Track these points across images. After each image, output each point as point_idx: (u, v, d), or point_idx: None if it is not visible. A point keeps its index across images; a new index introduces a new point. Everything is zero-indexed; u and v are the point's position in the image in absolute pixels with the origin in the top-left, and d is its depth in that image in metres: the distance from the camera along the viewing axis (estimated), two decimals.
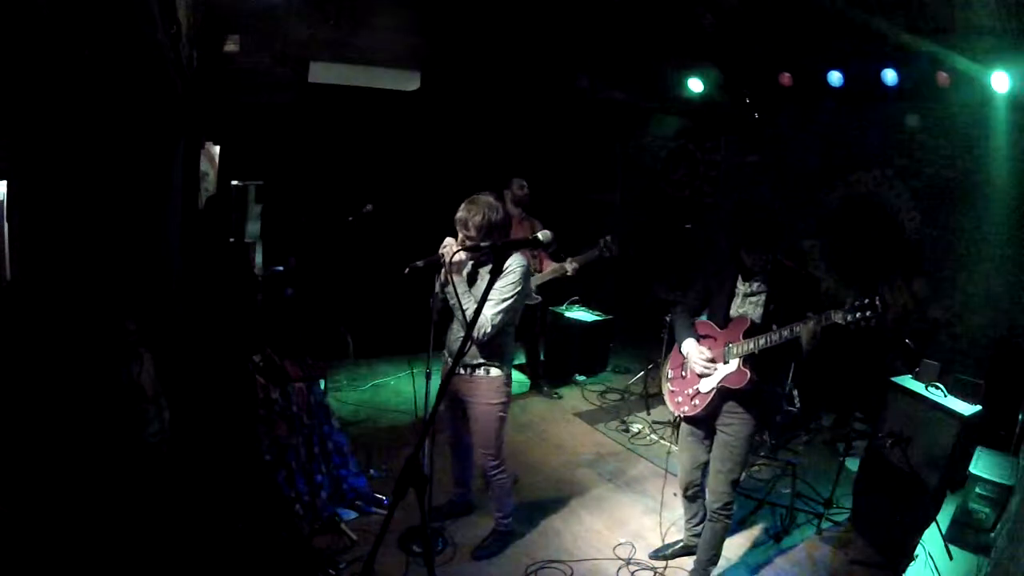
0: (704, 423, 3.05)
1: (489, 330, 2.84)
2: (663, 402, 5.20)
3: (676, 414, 3.11)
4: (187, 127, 3.52)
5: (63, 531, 1.94)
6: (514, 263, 2.88)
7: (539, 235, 2.28)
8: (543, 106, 6.11)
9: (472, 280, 2.97)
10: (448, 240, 2.92)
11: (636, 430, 4.90)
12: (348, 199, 4.74)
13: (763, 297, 2.84)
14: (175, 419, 2.98)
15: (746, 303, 2.88)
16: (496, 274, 2.13)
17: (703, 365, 2.90)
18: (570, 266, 4.82)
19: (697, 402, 2.97)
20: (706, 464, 3.10)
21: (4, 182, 2.03)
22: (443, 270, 2.85)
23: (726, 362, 2.86)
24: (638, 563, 3.28)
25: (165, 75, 2.84)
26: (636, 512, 3.78)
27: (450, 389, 3.05)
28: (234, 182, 4.78)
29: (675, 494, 3.98)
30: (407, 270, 2.88)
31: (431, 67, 4.82)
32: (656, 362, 5.44)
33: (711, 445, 3.07)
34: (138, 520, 2.22)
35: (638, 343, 6.52)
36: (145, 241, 3.09)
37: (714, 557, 3.04)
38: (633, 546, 3.40)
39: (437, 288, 2.96)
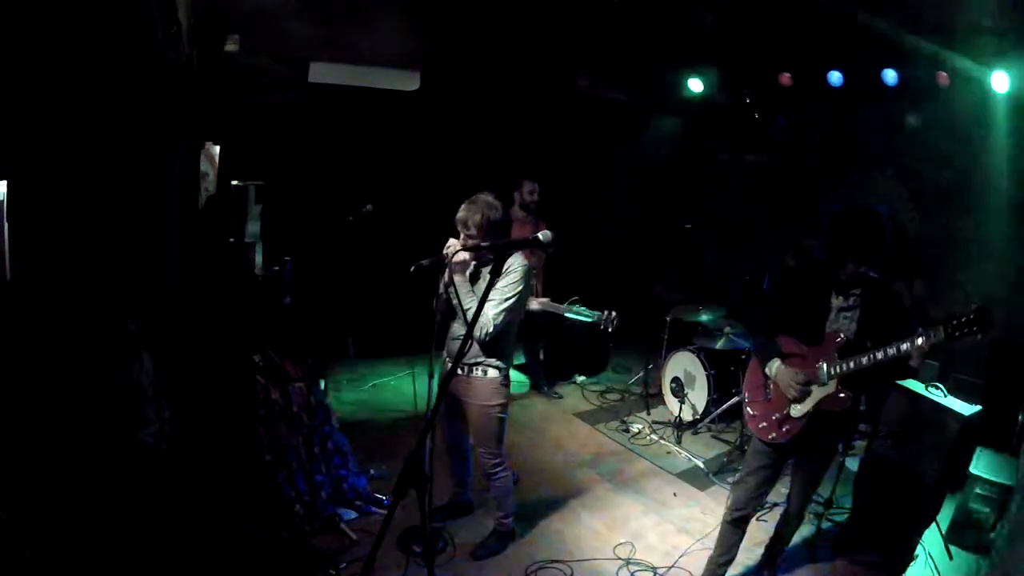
0: (784, 448, 2.84)
1: (491, 330, 2.83)
2: (663, 402, 5.24)
3: (764, 440, 2.86)
4: (187, 127, 3.52)
5: (63, 530, 1.94)
6: (515, 263, 2.87)
7: (539, 235, 2.27)
8: (543, 106, 6.11)
9: (475, 280, 2.97)
10: (452, 241, 2.93)
11: (636, 430, 4.90)
12: (348, 199, 4.74)
13: (858, 312, 2.66)
14: (175, 419, 2.98)
15: (840, 318, 2.69)
16: (496, 274, 2.13)
17: (799, 390, 2.67)
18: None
19: (788, 427, 2.75)
20: (768, 491, 2.99)
21: (4, 182, 2.03)
22: (447, 270, 2.86)
23: (823, 383, 2.65)
24: (638, 563, 3.27)
25: (165, 75, 2.84)
26: (636, 512, 3.78)
27: (449, 389, 3.06)
28: (234, 182, 4.78)
29: (675, 494, 4.00)
30: (412, 269, 2.87)
31: (431, 67, 4.82)
32: (656, 362, 5.44)
33: (780, 471, 2.92)
34: (138, 519, 2.21)
35: (638, 343, 6.51)
36: (145, 241, 3.09)
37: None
38: (633, 546, 3.40)
39: (441, 288, 2.97)
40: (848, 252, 2.60)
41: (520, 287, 2.88)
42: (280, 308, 4.75)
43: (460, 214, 2.87)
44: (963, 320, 2.30)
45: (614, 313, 4.40)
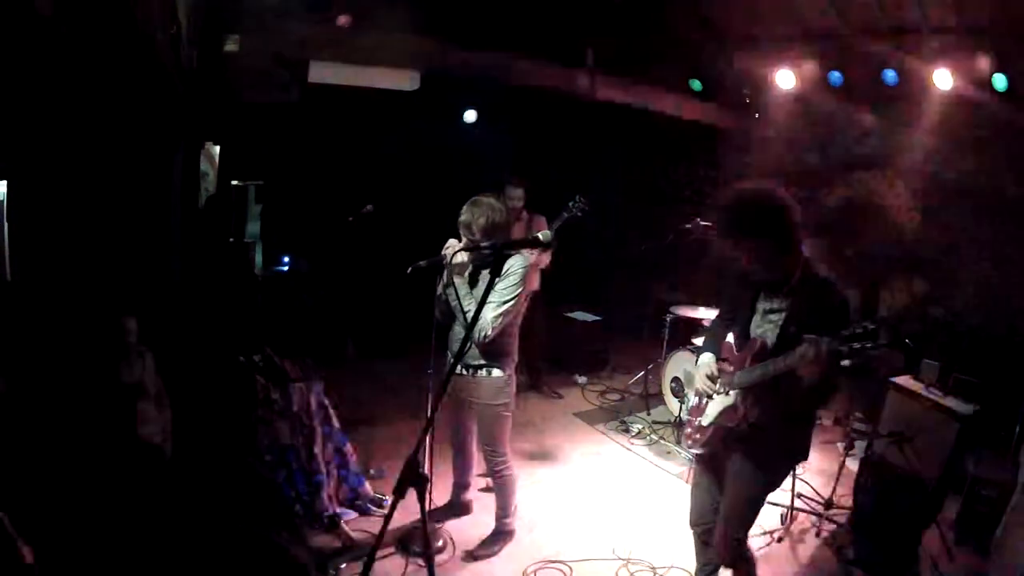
0: (711, 466, 2.59)
1: (489, 332, 2.84)
2: (663, 402, 5.23)
3: (687, 452, 2.70)
4: (187, 127, 3.52)
5: (64, 531, 1.94)
6: (515, 264, 2.88)
7: (539, 235, 2.29)
8: (543, 106, 6.11)
9: (474, 281, 2.97)
10: (451, 241, 2.93)
11: (636, 430, 4.90)
12: (348, 199, 4.74)
13: (783, 316, 2.29)
14: (176, 419, 2.98)
15: (764, 322, 2.36)
16: (495, 275, 2.14)
17: (704, 386, 2.48)
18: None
19: (699, 436, 2.54)
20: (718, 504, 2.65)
21: (4, 182, 2.04)
22: (445, 271, 2.87)
23: (726, 393, 2.41)
24: (638, 563, 3.27)
25: (165, 75, 2.84)
26: (636, 512, 3.78)
27: (453, 389, 3.07)
28: (234, 182, 4.79)
29: (675, 494, 3.99)
30: (410, 270, 2.88)
31: (431, 67, 4.82)
32: (656, 362, 5.43)
33: (723, 490, 2.59)
34: (139, 520, 2.22)
35: (638, 343, 6.52)
36: (145, 241, 3.09)
37: None
38: (633, 546, 3.40)
39: (440, 290, 2.97)
40: (738, 246, 2.24)
41: (519, 289, 2.89)
42: (297, 307, 4.78)
43: (463, 216, 2.88)
44: (857, 332, 2.02)
45: (578, 197, 4.40)
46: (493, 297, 2.81)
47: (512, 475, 3.28)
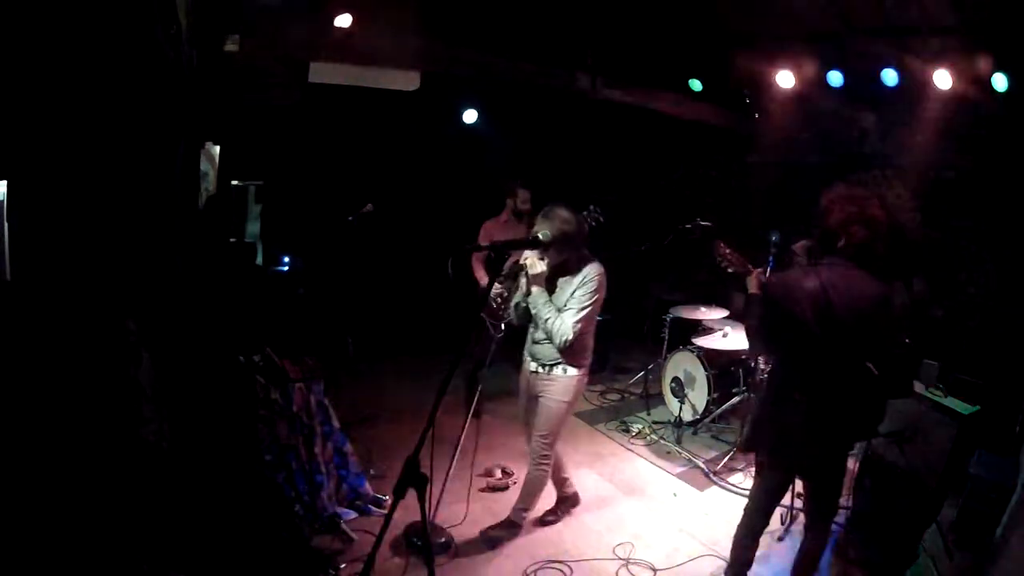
0: None
1: (570, 337, 2.99)
2: (663, 402, 5.23)
3: None
4: (187, 127, 3.52)
5: (63, 529, 1.94)
6: (592, 272, 3.05)
7: (539, 234, 2.30)
8: (542, 106, 6.11)
9: (551, 289, 3.10)
10: (526, 252, 3.05)
11: (636, 430, 4.90)
12: (348, 199, 4.74)
13: None
14: (175, 419, 2.99)
15: None
16: (495, 274, 2.16)
17: None
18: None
19: None
20: None
21: (4, 182, 2.04)
22: (524, 279, 3.06)
23: None
24: (638, 563, 3.27)
25: (165, 75, 2.84)
26: (636, 512, 3.78)
27: (527, 387, 3.29)
28: (234, 182, 4.79)
29: (675, 494, 4.00)
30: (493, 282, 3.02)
31: (431, 67, 4.82)
32: (656, 362, 5.43)
33: None
34: (138, 518, 2.22)
35: (638, 343, 6.51)
36: (145, 241, 3.09)
37: None
38: (633, 546, 3.40)
39: (519, 297, 3.15)
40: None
41: (596, 295, 3.03)
42: (292, 300, 4.79)
43: (537, 228, 2.97)
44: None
45: (591, 207, 4.47)
46: (571, 303, 3.01)
47: (548, 473, 3.37)
